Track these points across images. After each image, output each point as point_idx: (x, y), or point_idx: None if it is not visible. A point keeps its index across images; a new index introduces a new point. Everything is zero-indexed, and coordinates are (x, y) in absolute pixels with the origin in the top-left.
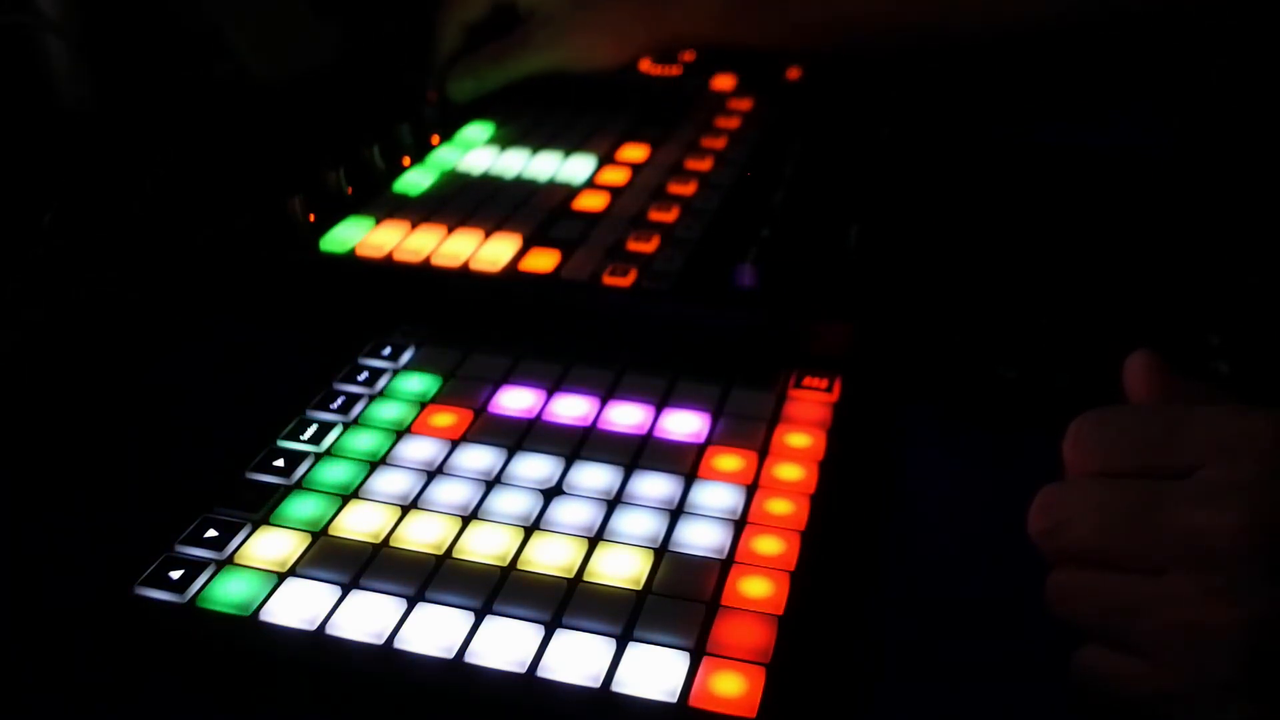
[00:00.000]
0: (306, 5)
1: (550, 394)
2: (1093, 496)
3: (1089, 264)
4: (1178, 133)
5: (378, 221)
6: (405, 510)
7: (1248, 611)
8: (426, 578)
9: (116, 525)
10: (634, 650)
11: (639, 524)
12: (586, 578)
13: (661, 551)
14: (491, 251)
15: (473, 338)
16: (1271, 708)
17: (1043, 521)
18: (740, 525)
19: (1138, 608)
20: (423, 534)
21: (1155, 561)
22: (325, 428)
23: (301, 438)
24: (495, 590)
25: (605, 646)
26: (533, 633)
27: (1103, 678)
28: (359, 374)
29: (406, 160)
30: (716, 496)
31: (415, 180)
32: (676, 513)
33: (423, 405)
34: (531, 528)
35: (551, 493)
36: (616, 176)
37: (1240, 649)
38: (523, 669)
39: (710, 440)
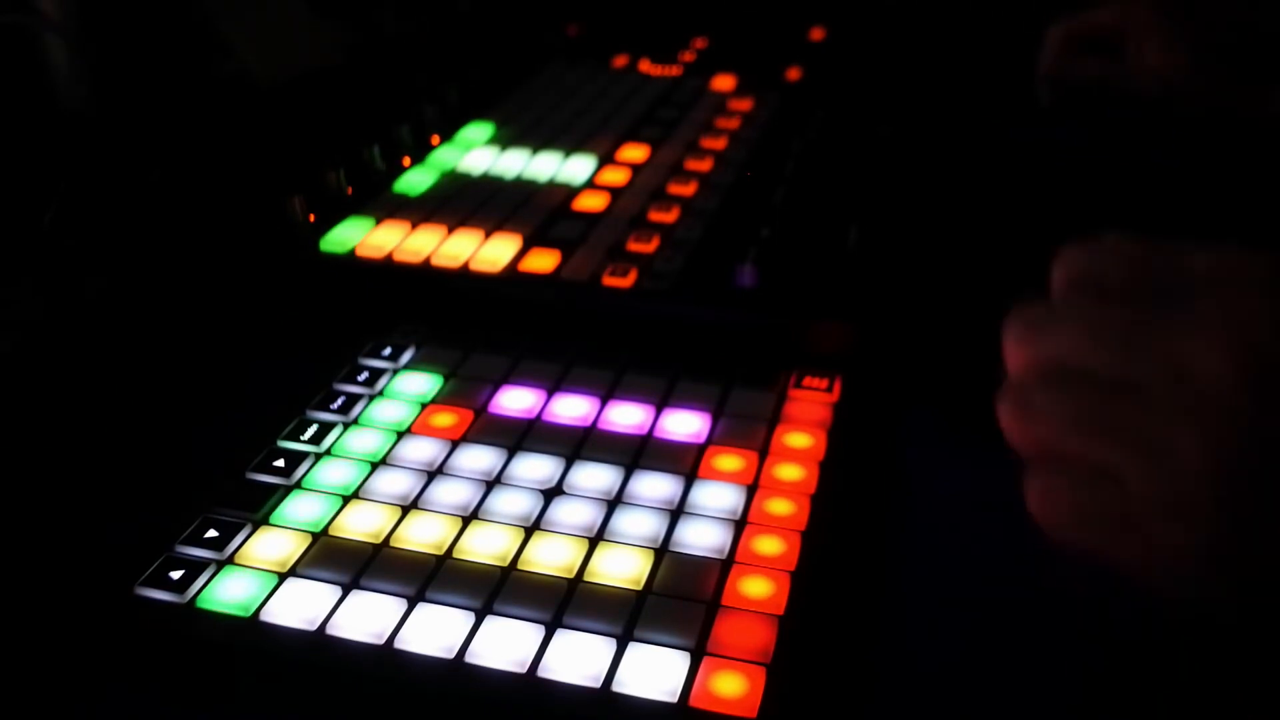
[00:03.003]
0: (306, 5)
1: (550, 394)
2: (1082, 314)
3: None
4: (1180, 138)
5: (378, 222)
6: (405, 510)
7: (1223, 440)
8: (427, 578)
9: (116, 525)
10: (634, 650)
11: (639, 524)
12: (587, 578)
13: (662, 551)
14: (491, 251)
15: (473, 338)
16: (1233, 532)
17: (1023, 333)
18: (740, 525)
19: (1113, 423)
20: (423, 534)
21: (1137, 381)
22: (325, 428)
23: (301, 438)
24: (495, 590)
25: (605, 646)
26: (533, 633)
27: (1068, 503)
28: (359, 374)
29: (406, 160)
30: (716, 496)
31: (415, 180)
32: (677, 513)
33: (423, 405)
34: (532, 528)
35: (552, 493)
36: (616, 176)
37: (1211, 477)
38: (523, 669)
39: (710, 440)
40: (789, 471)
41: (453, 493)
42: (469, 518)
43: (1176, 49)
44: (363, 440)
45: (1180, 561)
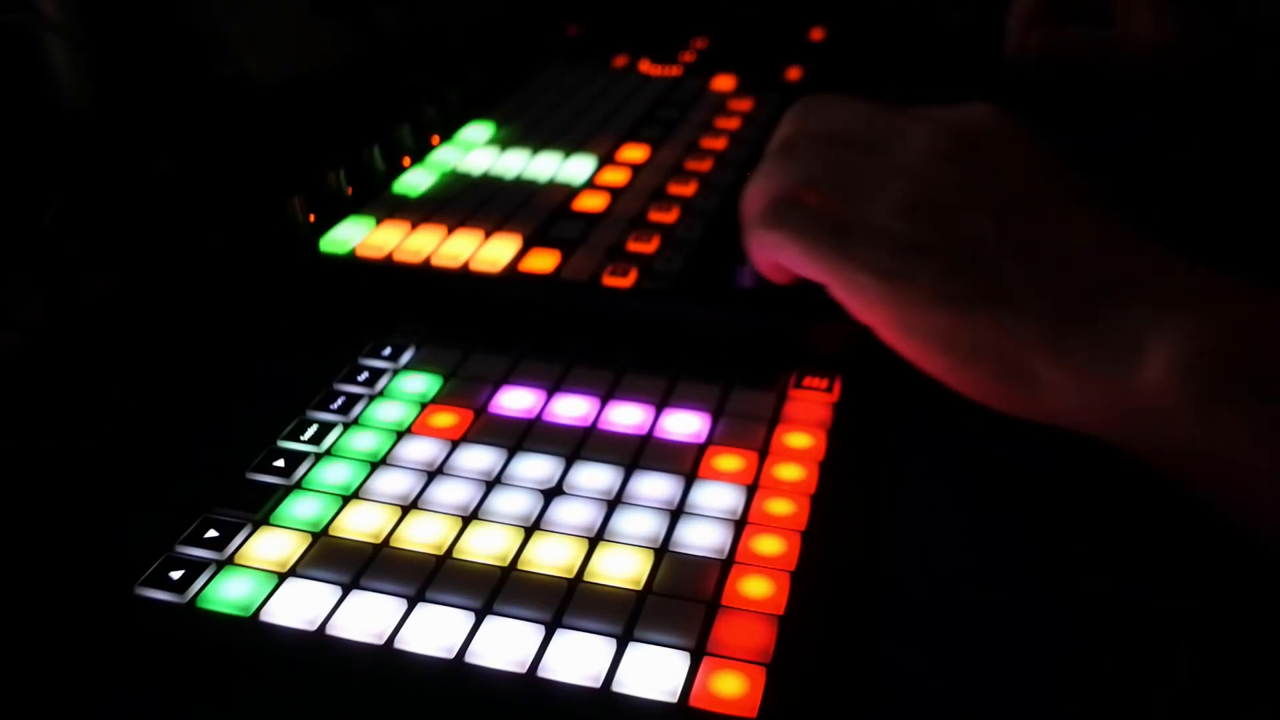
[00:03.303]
0: (306, 5)
1: (550, 394)
2: (850, 103)
3: None
4: (1176, 133)
5: (378, 222)
6: (405, 510)
7: (917, 188)
8: (427, 578)
9: (116, 525)
10: (634, 650)
11: (639, 524)
12: (587, 578)
13: (662, 551)
14: (491, 252)
15: (473, 338)
16: (901, 257)
17: (803, 109)
18: (740, 525)
19: (851, 167)
20: (423, 534)
21: (874, 144)
22: (325, 428)
23: (301, 438)
24: (495, 590)
25: (605, 646)
26: (533, 633)
27: (796, 223)
28: (359, 374)
29: (406, 160)
30: (716, 496)
31: (415, 181)
32: (676, 513)
33: (423, 405)
34: (532, 528)
35: (551, 493)
36: (616, 177)
37: (903, 212)
38: (523, 669)
39: (710, 440)
40: (789, 471)
41: (453, 493)
42: (469, 518)
43: (1169, 18)
44: (363, 440)
45: (862, 273)
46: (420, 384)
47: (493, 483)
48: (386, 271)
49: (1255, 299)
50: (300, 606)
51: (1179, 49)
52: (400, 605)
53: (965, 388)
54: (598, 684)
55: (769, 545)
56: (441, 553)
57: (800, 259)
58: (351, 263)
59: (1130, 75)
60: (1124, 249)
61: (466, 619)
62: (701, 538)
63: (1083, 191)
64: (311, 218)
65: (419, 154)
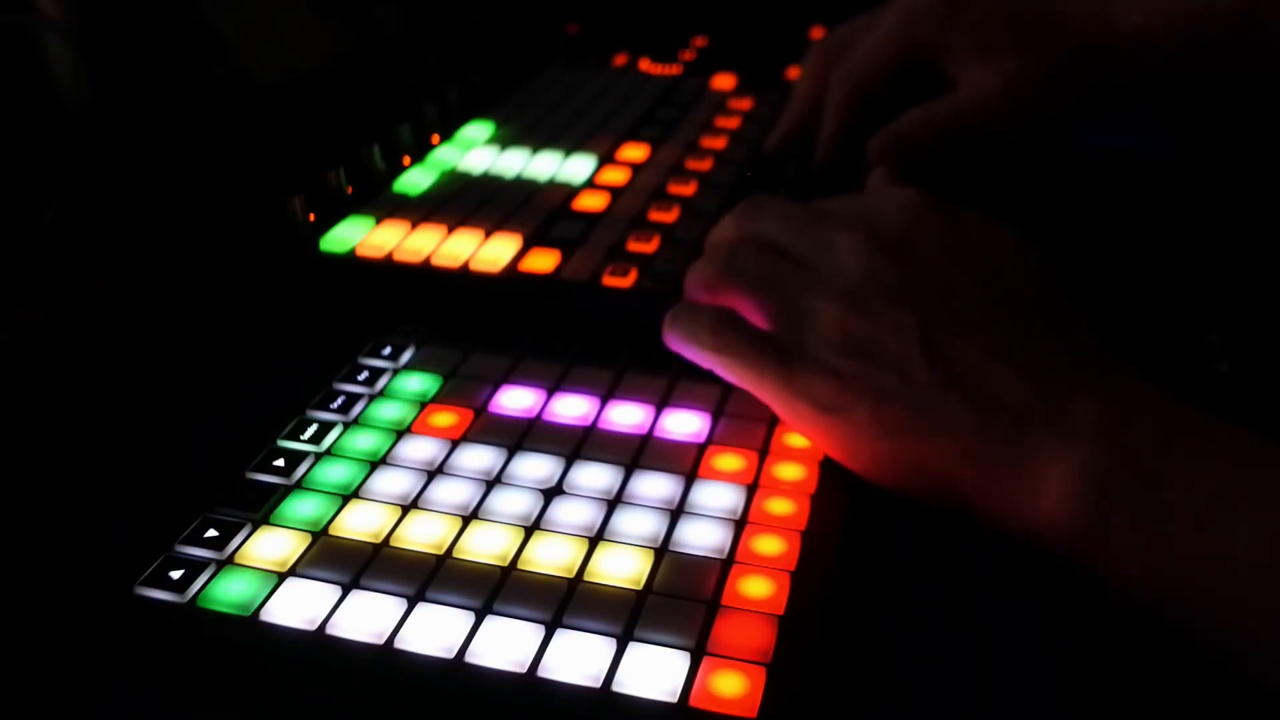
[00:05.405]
0: (306, 5)
1: (550, 394)
2: (784, 211)
3: (1088, 263)
4: (1175, 131)
5: (378, 221)
6: (405, 510)
7: (840, 313)
8: (426, 578)
9: (116, 525)
10: (634, 650)
11: (639, 524)
12: (586, 578)
13: (662, 551)
14: (491, 251)
15: (473, 338)
16: (836, 378)
17: (742, 214)
18: (740, 525)
19: (781, 280)
20: (423, 534)
21: (803, 258)
22: (325, 427)
23: (301, 438)
24: (495, 590)
25: (605, 646)
26: (533, 633)
27: (741, 343)
28: (359, 374)
29: (406, 160)
30: (716, 496)
31: (415, 180)
32: (676, 513)
33: (423, 405)
34: (531, 528)
35: (551, 492)
36: (616, 176)
37: (827, 341)
38: (523, 669)
39: (710, 440)
40: (789, 471)
41: (453, 492)
42: (469, 517)
43: (994, 78)
44: (363, 440)
45: (803, 404)
46: (420, 383)
47: (493, 482)
48: (386, 271)
49: (1162, 420)
50: (300, 606)
51: (1000, 108)
52: (400, 605)
53: (912, 496)
54: (598, 684)
55: (769, 545)
56: (441, 552)
57: (744, 381)
58: (351, 262)
59: (997, 130)
60: (1045, 362)
61: (466, 619)
62: (701, 537)
63: (1011, 284)
64: (311, 217)
65: (419, 153)
